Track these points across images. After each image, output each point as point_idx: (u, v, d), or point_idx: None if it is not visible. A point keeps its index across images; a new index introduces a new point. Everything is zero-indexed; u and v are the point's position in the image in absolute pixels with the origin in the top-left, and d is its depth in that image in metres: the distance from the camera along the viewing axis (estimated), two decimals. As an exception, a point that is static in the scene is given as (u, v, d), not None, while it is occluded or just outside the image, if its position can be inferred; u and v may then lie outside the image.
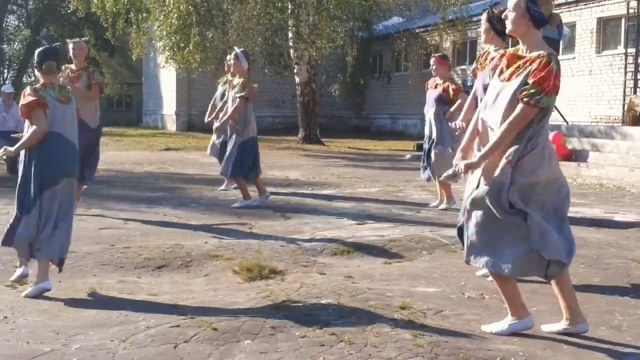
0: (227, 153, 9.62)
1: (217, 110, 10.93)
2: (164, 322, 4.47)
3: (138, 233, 7.54)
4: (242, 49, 10.04)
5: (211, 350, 3.98)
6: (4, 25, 48.55)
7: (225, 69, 11.50)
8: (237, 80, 9.45)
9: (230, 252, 6.67)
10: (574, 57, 21.92)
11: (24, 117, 5.43)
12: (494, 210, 4.12)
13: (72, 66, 8.46)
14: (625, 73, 18.18)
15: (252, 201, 9.52)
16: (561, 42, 19.00)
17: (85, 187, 8.81)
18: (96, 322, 4.54)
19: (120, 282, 5.79)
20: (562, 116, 17.52)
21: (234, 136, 9.51)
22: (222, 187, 11.10)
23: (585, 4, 21.47)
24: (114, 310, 4.81)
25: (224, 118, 9.66)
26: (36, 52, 5.58)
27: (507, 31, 4.30)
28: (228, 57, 11.07)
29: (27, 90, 5.37)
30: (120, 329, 4.37)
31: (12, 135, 6.82)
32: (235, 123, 9.47)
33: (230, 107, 9.53)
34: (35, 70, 5.60)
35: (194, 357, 3.90)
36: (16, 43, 53.33)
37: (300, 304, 4.85)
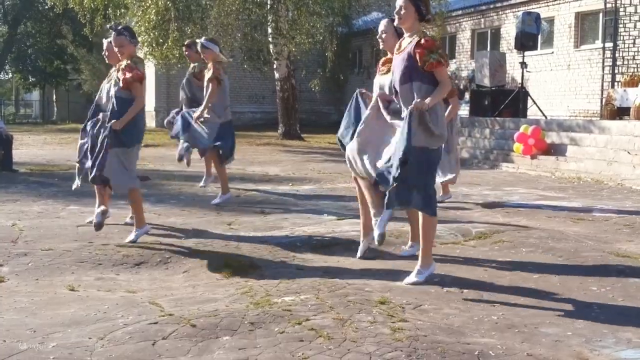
0: (206, 133, 9.37)
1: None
2: (142, 319, 4.45)
3: (116, 230, 7.50)
4: (205, 37, 9.87)
5: (190, 347, 3.97)
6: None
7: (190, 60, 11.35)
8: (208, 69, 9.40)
9: (209, 248, 6.66)
10: (553, 52, 22.07)
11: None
12: None
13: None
14: (603, 67, 18.29)
15: (229, 195, 9.48)
16: (539, 36, 19.10)
17: None
18: (74, 319, 4.51)
19: (98, 279, 5.76)
20: (540, 111, 17.62)
21: (211, 121, 9.30)
22: (202, 184, 11.05)
23: (563, -1, 21.62)
24: (92, 308, 4.78)
25: (201, 109, 9.31)
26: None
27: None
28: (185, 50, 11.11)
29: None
30: (98, 326, 4.33)
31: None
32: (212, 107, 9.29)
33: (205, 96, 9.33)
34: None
35: (172, 353, 3.88)
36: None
37: (279, 300, 4.84)
